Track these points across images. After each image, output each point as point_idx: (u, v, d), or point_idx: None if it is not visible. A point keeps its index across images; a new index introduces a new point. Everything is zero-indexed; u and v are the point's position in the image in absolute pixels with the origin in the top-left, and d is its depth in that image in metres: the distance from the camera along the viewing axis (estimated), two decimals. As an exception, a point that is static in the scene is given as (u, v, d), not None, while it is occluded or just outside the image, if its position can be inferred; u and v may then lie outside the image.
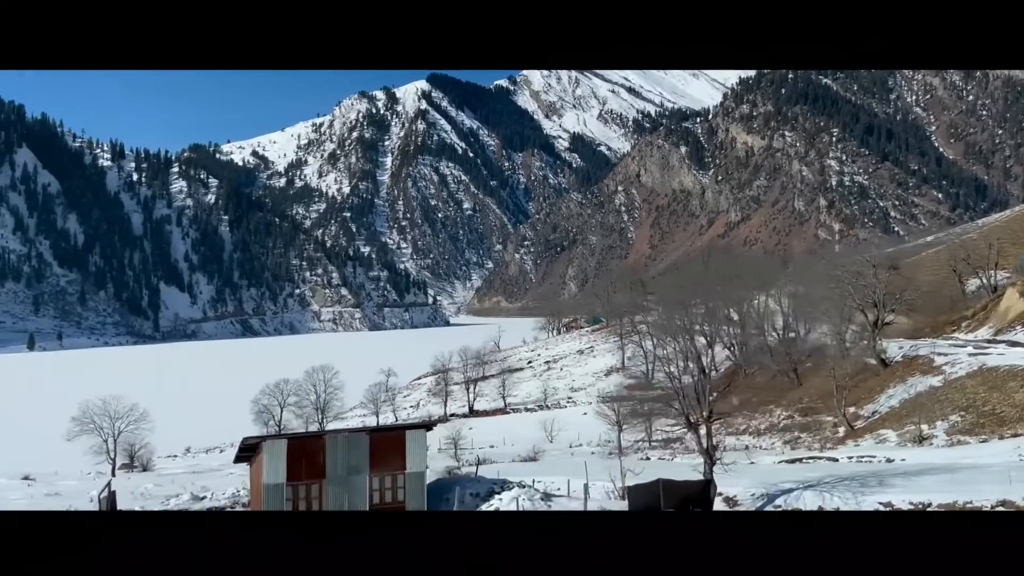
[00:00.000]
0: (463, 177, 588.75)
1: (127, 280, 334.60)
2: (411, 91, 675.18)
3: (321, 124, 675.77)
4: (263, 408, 65.94)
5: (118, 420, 51.62)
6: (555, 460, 44.12)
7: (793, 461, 32.54)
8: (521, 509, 29.04)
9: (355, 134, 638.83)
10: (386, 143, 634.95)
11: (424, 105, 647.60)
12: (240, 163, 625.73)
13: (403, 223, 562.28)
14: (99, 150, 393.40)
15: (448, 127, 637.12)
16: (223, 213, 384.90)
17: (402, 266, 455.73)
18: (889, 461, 28.42)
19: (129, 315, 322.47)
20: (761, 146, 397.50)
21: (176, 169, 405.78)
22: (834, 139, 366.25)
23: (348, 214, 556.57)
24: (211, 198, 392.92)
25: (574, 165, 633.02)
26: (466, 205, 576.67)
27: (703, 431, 26.33)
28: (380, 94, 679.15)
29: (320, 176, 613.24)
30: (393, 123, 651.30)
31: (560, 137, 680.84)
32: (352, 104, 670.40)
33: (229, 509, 33.29)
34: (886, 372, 40.67)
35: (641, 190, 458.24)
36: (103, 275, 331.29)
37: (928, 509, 18.13)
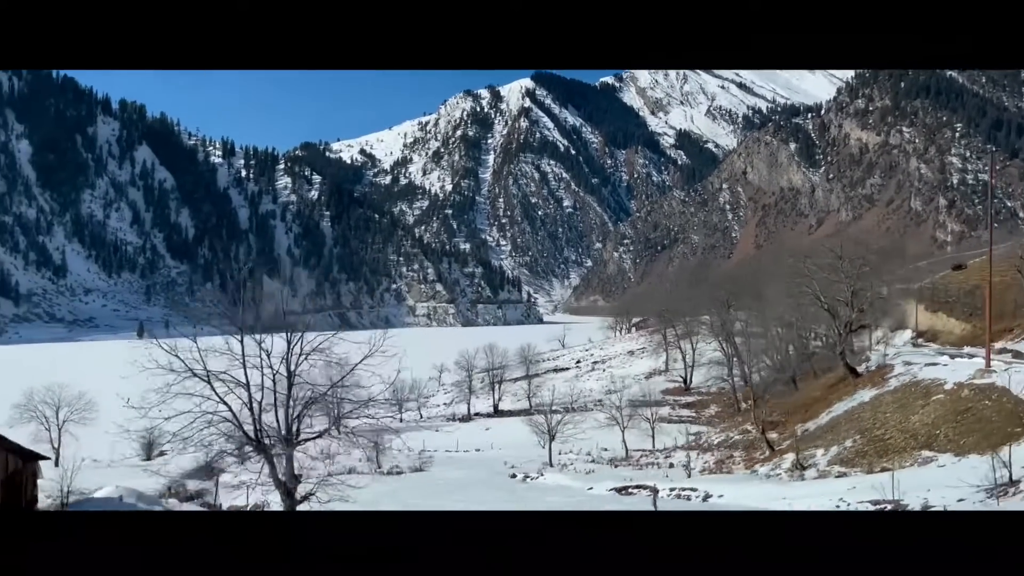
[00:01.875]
0: (564, 175, 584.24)
1: (233, 273, 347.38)
2: (515, 89, 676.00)
3: (427, 123, 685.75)
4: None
5: (63, 409, 50.72)
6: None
7: (622, 489, 27.93)
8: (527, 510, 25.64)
9: (459, 132, 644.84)
10: (489, 141, 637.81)
11: (528, 103, 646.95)
12: (348, 161, 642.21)
13: (503, 220, 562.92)
14: (211, 147, 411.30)
15: (551, 124, 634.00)
16: (325, 209, 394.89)
17: (499, 263, 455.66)
18: (706, 498, 24.53)
19: (232, 307, 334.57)
20: (876, 142, 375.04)
21: (282, 166, 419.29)
22: (957, 135, 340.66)
23: (449, 211, 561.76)
24: (314, 194, 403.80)
25: (679, 162, 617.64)
26: (566, 203, 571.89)
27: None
28: (485, 92, 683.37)
29: (424, 174, 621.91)
30: (496, 121, 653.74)
31: (665, 134, 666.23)
32: (457, 103, 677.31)
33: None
34: (849, 384, 34.26)
35: (747, 188, 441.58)
36: (211, 267, 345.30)
37: (929, 509, 14.66)
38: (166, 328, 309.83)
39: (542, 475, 32.88)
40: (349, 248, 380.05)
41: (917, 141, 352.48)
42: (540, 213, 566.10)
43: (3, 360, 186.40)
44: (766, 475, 26.91)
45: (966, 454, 17.35)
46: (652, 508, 21.12)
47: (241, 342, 19.35)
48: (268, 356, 20.40)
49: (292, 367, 20.37)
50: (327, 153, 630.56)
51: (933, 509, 14.06)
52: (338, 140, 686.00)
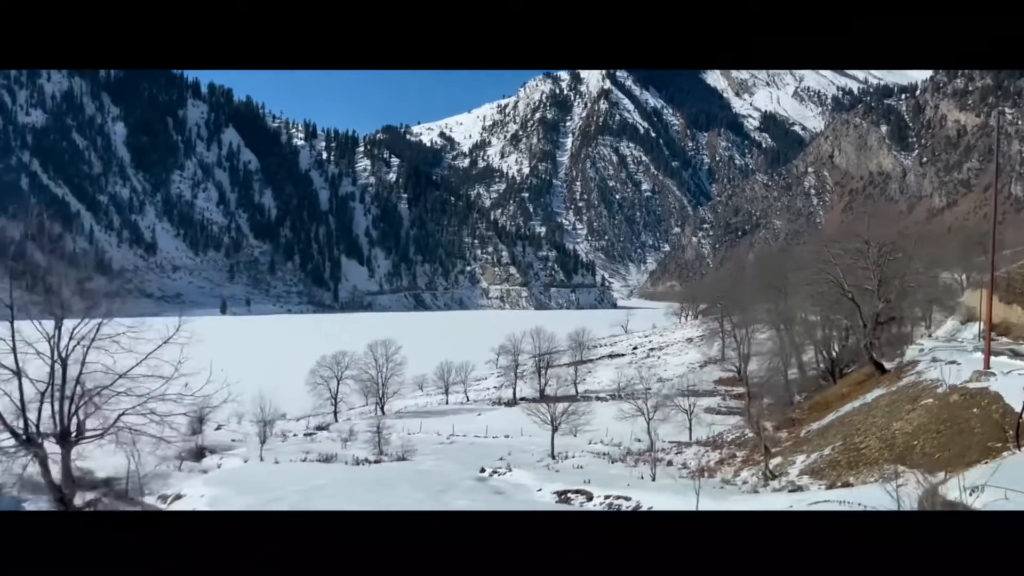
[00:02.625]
0: (643, 158, 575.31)
1: (312, 252, 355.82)
2: (595, 71, 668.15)
3: (506, 105, 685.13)
4: (320, 380, 64.49)
5: None
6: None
7: (562, 493, 25.50)
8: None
9: (538, 115, 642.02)
10: (567, 124, 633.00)
11: (608, 85, 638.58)
12: (428, 144, 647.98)
13: (579, 204, 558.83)
14: (294, 130, 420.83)
15: (631, 107, 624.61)
16: (403, 191, 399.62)
17: (574, 247, 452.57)
18: (635, 511, 22.12)
19: (312, 285, 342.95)
20: (975, 124, 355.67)
21: (361, 149, 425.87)
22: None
23: (526, 194, 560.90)
24: (392, 177, 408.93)
25: (763, 145, 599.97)
26: (645, 186, 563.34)
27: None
28: (564, 75, 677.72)
29: (502, 157, 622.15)
30: (576, 103, 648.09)
31: (750, 116, 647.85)
32: (537, 85, 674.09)
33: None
34: (872, 381, 31.34)
35: (834, 172, 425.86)
36: (291, 247, 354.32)
37: (930, 510, 13.39)
38: (247, 305, 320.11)
39: (509, 471, 31.65)
40: (425, 230, 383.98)
41: (1020, 123, 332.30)
42: (618, 197, 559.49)
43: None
44: (743, 482, 24.93)
45: (937, 471, 15.42)
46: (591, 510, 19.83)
47: (11, 323, 17.63)
48: (55, 343, 18.70)
49: (64, 354, 18.50)
50: (407, 136, 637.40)
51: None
52: (418, 123, 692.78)
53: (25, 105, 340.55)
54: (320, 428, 56.62)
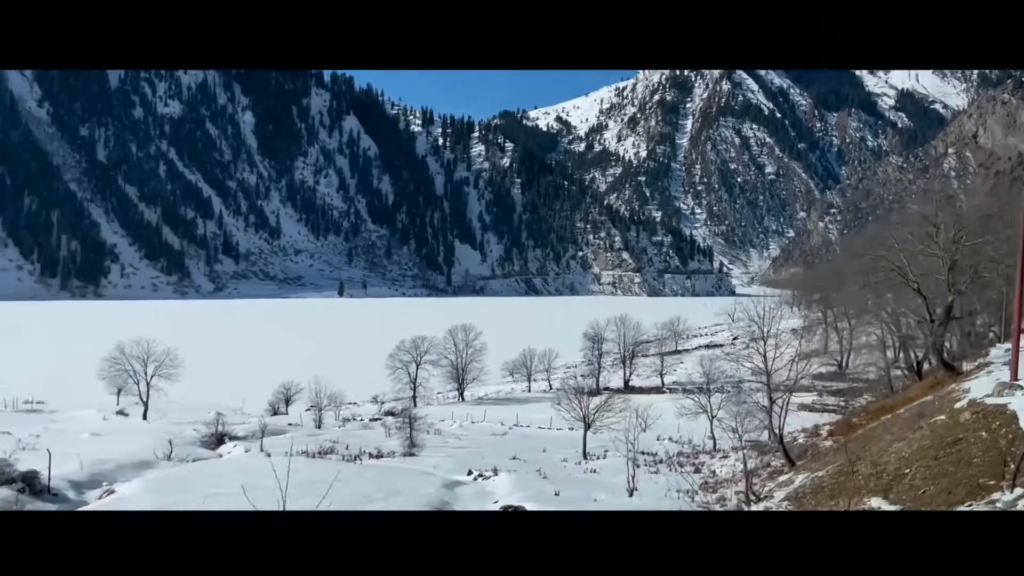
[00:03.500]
0: (767, 139, 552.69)
1: (427, 237, 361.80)
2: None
3: (624, 88, 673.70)
4: (400, 364, 63.69)
5: (152, 363, 52.42)
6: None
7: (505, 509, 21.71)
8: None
9: (656, 97, 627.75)
10: (687, 105, 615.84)
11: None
12: (544, 128, 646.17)
13: (699, 188, 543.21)
14: (412, 117, 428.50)
15: (755, 87, 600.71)
16: (516, 176, 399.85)
17: (692, 232, 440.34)
18: None
19: (426, 269, 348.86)
20: None
21: (476, 134, 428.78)
22: None
23: (643, 178, 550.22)
24: (506, 162, 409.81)
25: (899, 125, 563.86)
26: (768, 169, 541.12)
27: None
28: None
29: (619, 140, 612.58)
30: (696, 84, 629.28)
31: (885, 94, 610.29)
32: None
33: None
34: (936, 383, 26.37)
35: (977, 153, 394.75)
36: (407, 232, 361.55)
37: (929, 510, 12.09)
38: (364, 288, 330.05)
39: (495, 474, 28.91)
40: (538, 215, 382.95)
41: None
42: (739, 180, 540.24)
43: (221, 311, 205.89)
44: (721, 504, 21.37)
45: (919, 507, 11.89)
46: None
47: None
48: None
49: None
50: (524, 121, 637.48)
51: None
52: (535, 108, 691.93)
53: (164, 97, 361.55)
54: (390, 413, 55.87)
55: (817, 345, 71.37)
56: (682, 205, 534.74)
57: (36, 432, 36.31)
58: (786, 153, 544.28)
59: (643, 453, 36.24)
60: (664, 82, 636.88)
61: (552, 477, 28.45)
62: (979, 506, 10.53)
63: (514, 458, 33.94)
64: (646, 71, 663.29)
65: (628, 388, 67.61)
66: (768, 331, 38.91)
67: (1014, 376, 17.35)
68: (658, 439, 41.15)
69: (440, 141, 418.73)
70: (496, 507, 22.03)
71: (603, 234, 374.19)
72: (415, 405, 64.64)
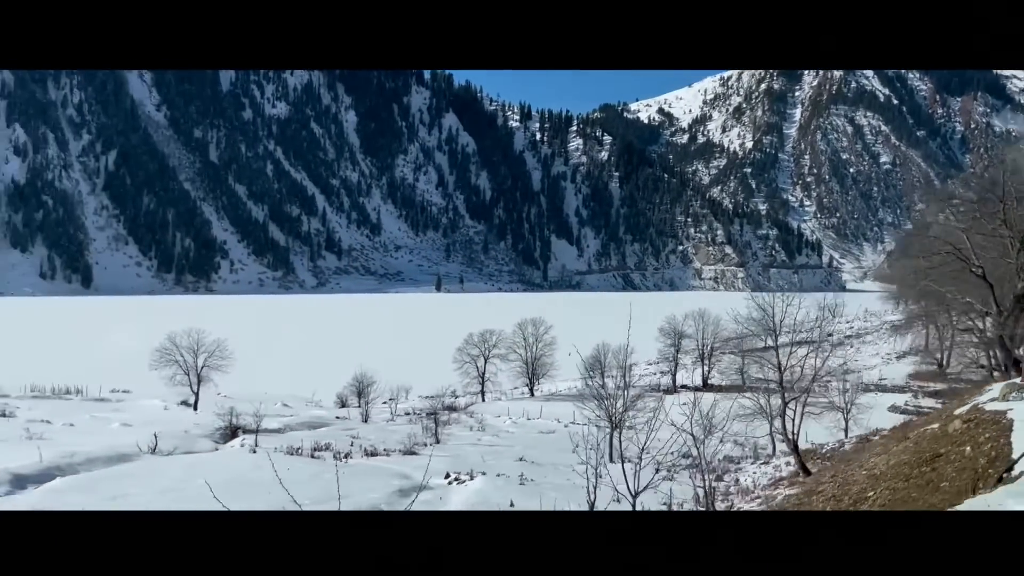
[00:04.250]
0: (883, 127, 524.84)
1: (523, 232, 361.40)
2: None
3: (729, 77, 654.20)
4: (468, 359, 62.15)
5: (202, 354, 52.15)
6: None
7: None
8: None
9: (763, 86, 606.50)
10: (796, 94, 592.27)
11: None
12: (645, 121, 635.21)
13: (807, 179, 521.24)
14: (510, 112, 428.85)
15: (869, 72, 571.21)
16: (614, 170, 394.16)
17: (800, 225, 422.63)
18: None
19: (522, 264, 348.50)
20: None
21: (574, 128, 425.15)
22: None
23: (748, 170, 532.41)
24: (604, 155, 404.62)
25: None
26: (884, 159, 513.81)
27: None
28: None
29: (723, 131, 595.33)
30: (806, 72, 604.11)
31: (1015, 76, 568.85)
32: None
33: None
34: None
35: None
36: (504, 227, 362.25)
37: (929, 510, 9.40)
38: (461, 283, 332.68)
39: (471, 478, 26.30)
40: (636, 208, 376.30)
41: None
42: (851, 170, 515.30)
43: (322, 306, 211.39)
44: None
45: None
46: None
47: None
48: None
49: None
50: (625, 114, 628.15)
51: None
52: (636, 100, 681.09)
53: (271, 98, 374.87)
54: (449, 408, 54.39)
55: (918, 342, 65.65)
56: (790, 197, 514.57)
57: (70, 421, 36.46)
58: (903, 141, 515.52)
59: (686, 456, 33.17)
60: (771, 70, 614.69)
61: (543, 483, 26.05)
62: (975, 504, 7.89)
63: (521, 459, 31.53)
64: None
65: (707, 386, 63.93)
66: (781, 322, 34.92)
67: None
68: (721, 441, 37.80)
69: (538, 136, 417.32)
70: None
71: (704, 228, 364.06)
72: (483, 399, 63.11)
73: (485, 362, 62.57)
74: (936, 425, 13.66)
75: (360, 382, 62.81)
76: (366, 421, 46.60)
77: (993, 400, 13.05)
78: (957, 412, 13.25)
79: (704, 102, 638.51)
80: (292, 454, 29.71)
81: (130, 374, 61.54)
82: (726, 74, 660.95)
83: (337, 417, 48.21)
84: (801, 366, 31.26)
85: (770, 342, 79.11)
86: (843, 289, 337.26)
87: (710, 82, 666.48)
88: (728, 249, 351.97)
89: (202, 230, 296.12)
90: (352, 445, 33.54)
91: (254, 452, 28.03)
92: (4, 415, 38.12)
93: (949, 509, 8.41)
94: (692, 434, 30.63)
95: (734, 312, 40.70)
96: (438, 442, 34.59)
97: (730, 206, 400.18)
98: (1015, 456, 9.29)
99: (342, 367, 75.29)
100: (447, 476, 26.78)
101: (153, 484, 22.72)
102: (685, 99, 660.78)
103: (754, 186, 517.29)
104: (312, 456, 29.99)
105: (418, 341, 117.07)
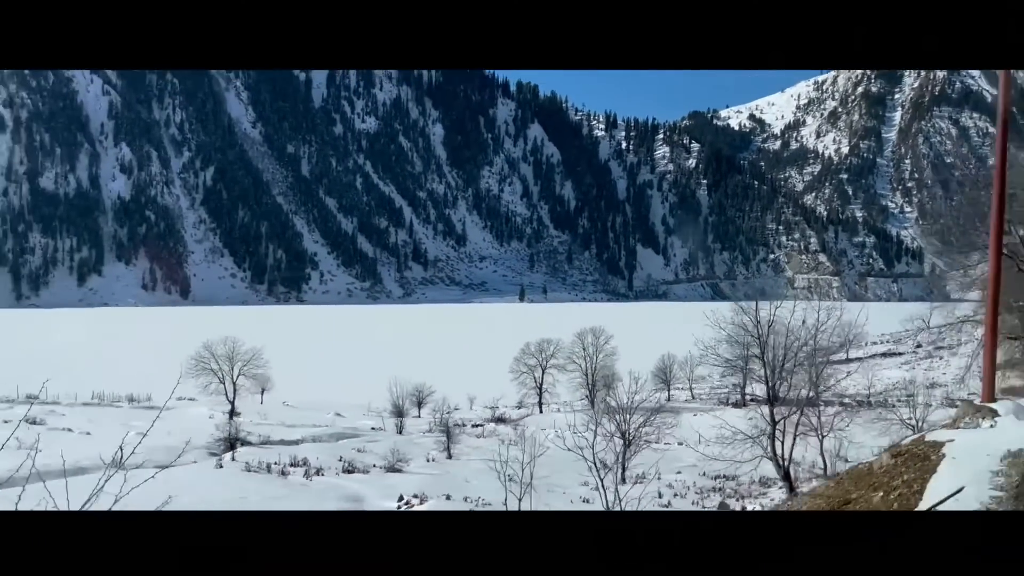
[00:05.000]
0: (991, 129, 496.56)
1: (608, 241, 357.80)
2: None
3: (824, 81, 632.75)
4: (526, 368, 60.62)
5: (238, 362, 51.75)
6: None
7: None
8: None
9: (860, 89, 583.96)
10: (895, 96, 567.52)
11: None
12: (736, 127, 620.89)
13: (908, 184, 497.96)
14: (595, 121, 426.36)
15: (975, 72, 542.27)
16: (702, 177, 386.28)
17: (898, 232, 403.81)
18: None
19: (607, 274, 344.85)
20: None
21: (661, 136, 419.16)
22: None
23: (844, 176, 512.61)
24: (692, 163, 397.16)
25: None
26: (992, 162, 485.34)
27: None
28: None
29: (817, 136, 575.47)
30: (906, 73, 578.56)
31: None
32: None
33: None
34: None
35: None
36: (589, 237, 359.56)
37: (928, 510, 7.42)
38: (544, 293, 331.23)
39: (421, 503, 24.26)
40: (725, 217, 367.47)
41: None
42: (957, 175, 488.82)
43: (405, 316, 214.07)
44: None
45: None
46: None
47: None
48: None
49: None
50: (715, 121, 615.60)
51: (933, 509, 8.34)
52: (727, 107, 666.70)
53: (361, 113, 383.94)
54: (499, 420, 53.05)
55: (1016, 355, 60.32)
56: (889, 203, 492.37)
57: (89, 429, 36.85)
58: (1015, 142, 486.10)
59: (720, 477, 30.90)
60: (869, 73, 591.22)
61: (515, 507, 24.21)
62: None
63: (510, 479, 29.58)
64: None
65: (776, 398, 60.52)
66: (767, 332, 32.20)
67: (987, 397, 11.02)
68: (985, 418, 34.84)
69: (623, 145, 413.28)
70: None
71: (797, 235, 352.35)
72: (540, 411, 61.48)
73: (543, 372, 60.94)
74: (874, 459, 11.21)
75: (419, 392, 62.33)
76: (400, 433, 45.69)
77: (938, 427, 10.64)
78: (906, 442, 10.75)
79: (797, 107, 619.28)
80: (260, 471, 28.91)
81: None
82: (820, 78, 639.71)
83: (372, 428, 47.50)
84: (814, 382, 28.64)
85: (860, 353, 73.93)
86: (947, 299, 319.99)
87: (803, 87, 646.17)
88: (822, 257, 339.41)
89: (293, 242, 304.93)
90: (341, 460, 32.57)
91: (220, 467, 27.39)
92: (35, 422, 38.87)
93: (948, 510, 6.76)
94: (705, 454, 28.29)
95: (713, 319, 37.60)
96: (450, 457, 33.19)
97: (824, 213, 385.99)
98: (921, 506, 7.11)
99: (412, 376, 75.18)
100: (400, 499, 25.20)
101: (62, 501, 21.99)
102: (777, 105, 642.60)
103: (850, 192, 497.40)
104: (282, 473, 29.11)
105: (493, 351, 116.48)
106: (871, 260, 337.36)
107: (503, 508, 20.79)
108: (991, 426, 9.65)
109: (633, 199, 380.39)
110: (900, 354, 78.64)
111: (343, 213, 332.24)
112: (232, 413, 51.05)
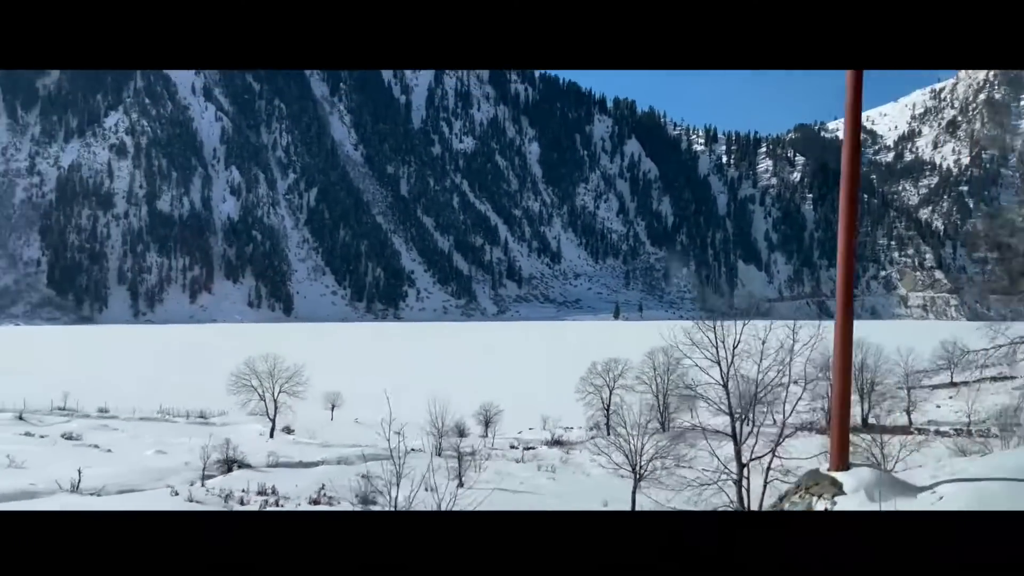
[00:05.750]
0: None
1: (707, 258, 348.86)
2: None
3: (941, 89, 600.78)
4: (592, 389, 58.05)
5: (279, 380, 50.84)
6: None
7: None
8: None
9: (982, 96, 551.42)
10: (1022, 103, 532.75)
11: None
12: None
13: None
14: (694, 136, 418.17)
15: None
16: (807, 191, 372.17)
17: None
18: None
19: (706, 291, 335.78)
20: None
21: (764, 149, 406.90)
22: None
23: (964, 188, 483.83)
24: (796, 176, 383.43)
25: None
26: None
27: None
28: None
29: (935, 147, 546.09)
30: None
31: None
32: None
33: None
34: None
35: None
36: (687, 253, 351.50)
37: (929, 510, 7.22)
38: (639, 311, 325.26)
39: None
40: (831, 231, 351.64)
41: None
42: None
43: (498, 333, 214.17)
44: None
45: None
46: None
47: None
48: None
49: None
50: (822, 133, 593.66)
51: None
52: (835, 119, 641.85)
53: (459, 133, 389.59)
54: (556, 443, 50.80)
55: None
56: (1016, 216, 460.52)
57: (108, 447, 36.91)
58: None
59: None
60: (991, 79, 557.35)
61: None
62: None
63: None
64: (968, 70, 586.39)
65: (866, 426, 55.76)
66: (735, 349, 28.33)
67: (836, 465, 8.05)
68: (822, 497, 31.45)
69: (724, 159, 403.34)
70: None
71: (911, 251, 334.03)
72: (608, 433, 58.84)
73: (610, 393, 58.28)
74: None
75: (487, 411, 60.80)
76: (439, 455, 44.10)
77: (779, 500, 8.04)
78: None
79: (912, 117, 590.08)
80: (211, 499, 27.74)
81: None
82: (938, 86, 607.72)
83: (412, 449, 46.12)
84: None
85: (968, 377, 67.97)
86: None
87: (919, 95, 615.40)
88: (939, 274, 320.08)
89: (392, 260, 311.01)
90: (323, 488, 31.15)
91: (175, 495, 26.36)
92: (70, 438, 39.38)
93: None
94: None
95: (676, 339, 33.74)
96: (461, 486, 31.27)
97: (941, 227, 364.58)
98: None
99: (491, 393, 73.87)
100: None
101: None
102: (890, 115, 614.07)
103: (971, 205, 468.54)
104: (241, 502, 27.85)
105: (576, 369, 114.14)
106: (995, 277, 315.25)
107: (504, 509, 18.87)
108: (828, 506, 7.06)
109: (734, 214, 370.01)
110: (1013, 377, 71.64)
111: (440, 231, 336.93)
112: (272, 431, 50.85)
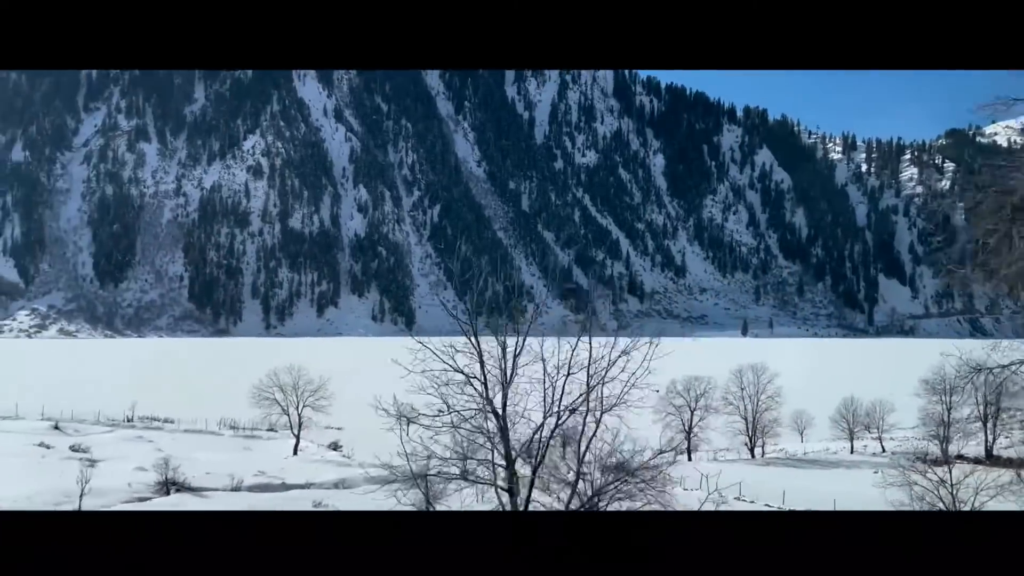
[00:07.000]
0: None
1: (845, 272, 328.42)
2: None
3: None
4: (672, 409, 52.61)
5: (303, 394, 47.80)
6: None
7: None
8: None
9: None
10: None
11: None
12: (1005, 144, 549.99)
13: None
14: (831, 144, 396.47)
15: None
16: (958, 200, 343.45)
17: None
18: None
19: (843, 307, 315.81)
20: None
21: (908, 156, 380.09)
22: None
23: None
24: (945, 184, 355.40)
25: None
26: None
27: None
28: None
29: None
30: None
31: None
32: None
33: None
34: None
35: None
36: (822, 267, 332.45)
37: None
38: (770, 327, 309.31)
39: None
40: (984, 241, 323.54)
41: None
42: None
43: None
44: None
45: None
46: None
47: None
48: None
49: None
50: (977, 139, 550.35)
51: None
52: (993, 123, 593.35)
53: (581, 148, 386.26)
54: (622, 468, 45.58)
55: None
56: None
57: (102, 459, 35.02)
58: None
59: None
60: None
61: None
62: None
63: None
64: None
65: (991, 457, 47.55)
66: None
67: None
68: None
69: (863, 168, 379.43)
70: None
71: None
72: (689, 458, 53.14)
73: (691, 414, 52.69)
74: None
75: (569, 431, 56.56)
76: (465, 479, 40.03)
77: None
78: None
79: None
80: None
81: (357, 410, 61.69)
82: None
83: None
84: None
85: None
86: None
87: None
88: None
89: (511, 275, 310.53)
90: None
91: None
92: (78, 449, 38.14)
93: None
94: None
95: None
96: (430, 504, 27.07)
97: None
98: None
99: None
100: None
101: None
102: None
103: None
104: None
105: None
106: None
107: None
108: None
109: (875, 226, 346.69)
110: None
111: (560, 246, 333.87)
112: (296, 448, 48.73)
